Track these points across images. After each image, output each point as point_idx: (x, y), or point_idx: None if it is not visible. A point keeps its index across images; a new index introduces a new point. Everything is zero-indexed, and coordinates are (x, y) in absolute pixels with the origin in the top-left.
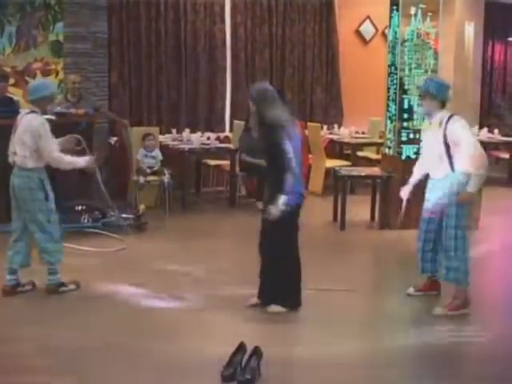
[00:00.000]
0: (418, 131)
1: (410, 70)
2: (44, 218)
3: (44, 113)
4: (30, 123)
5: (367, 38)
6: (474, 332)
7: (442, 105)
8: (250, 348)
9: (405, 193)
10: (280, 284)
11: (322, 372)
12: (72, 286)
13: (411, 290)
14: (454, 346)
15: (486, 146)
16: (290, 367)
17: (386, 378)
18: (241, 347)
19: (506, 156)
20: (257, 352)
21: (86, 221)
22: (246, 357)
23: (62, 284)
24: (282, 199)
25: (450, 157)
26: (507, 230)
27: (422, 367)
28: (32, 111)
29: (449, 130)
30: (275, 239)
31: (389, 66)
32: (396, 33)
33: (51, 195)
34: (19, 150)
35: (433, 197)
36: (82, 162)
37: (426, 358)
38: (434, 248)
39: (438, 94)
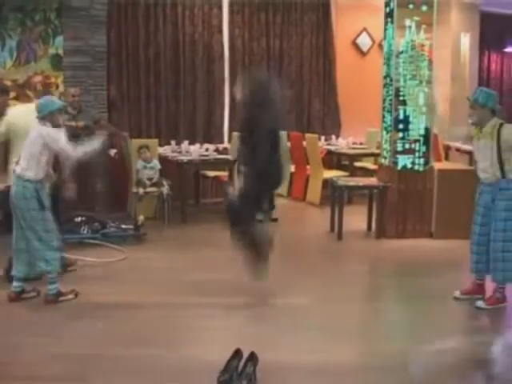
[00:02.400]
0: (414, 141)
1: (405, 81)
2: (40, 227)
3: (58, 126)
4: (40, 132)
5: (364, 50)
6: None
7: (492, 113)
8: (246, 354)
9: None
10: None
11: (317, 378)
12: (70, 296)
13: (457, 293)
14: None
15: None
16: (285, 373)
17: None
18: (237, 353)
19: None
20: (252, 358)
21: (85, 232)
22: (242, 363)
23: (61, 293)
24: None
25: (501, 163)
26: None
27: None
28: (42, 124)
29: (502, 137)
30: None
31: (384, 77)
32: (391, 45)
33: (47, 204)
34: (22, 161)
35: (483, 201)
36: (95, 144)
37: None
38: (488, 250)
39: (487, 103)
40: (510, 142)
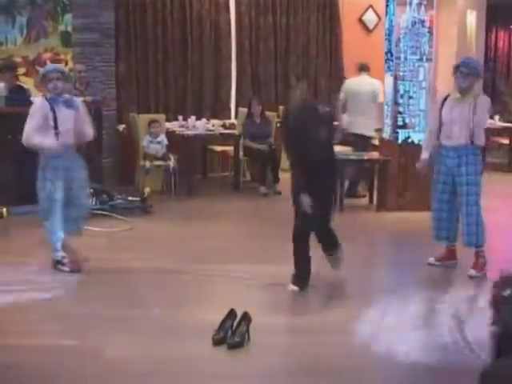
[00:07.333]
0: (414, 116)
1: (405, 57)
2: (43, 195)
3: (57, 93)
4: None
5: (370, 27)
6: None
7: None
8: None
9: (423, 167)
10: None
11: (305, 337)
12: (66, 269)
13: (432, 260)
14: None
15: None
16: (277, 332)
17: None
18: (231, 313)
19: (506, 142)
20: (246, 317)
21: (94, 203)
22: (235, 322)
23: (59, 262)
24: None
25: (472, 128)
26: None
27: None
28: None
29: (478, 104)
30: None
31: (385, 52)
32: (392, 21)
33: (48, 175)
34: None
35: (445, 168)
36: (46, 142)
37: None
38: (450, 216)
39: (480, 73)
40: (478, 109)
